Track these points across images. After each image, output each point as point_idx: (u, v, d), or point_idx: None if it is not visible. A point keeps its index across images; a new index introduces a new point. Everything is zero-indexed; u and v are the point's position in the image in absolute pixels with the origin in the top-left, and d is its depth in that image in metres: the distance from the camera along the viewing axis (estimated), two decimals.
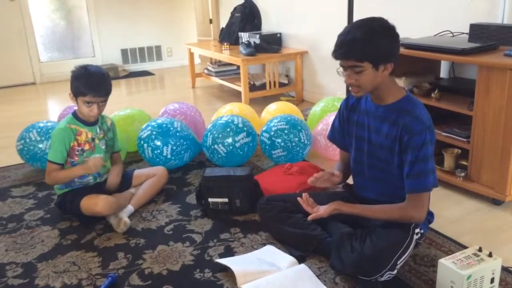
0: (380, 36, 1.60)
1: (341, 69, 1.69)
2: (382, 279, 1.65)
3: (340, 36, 1.65)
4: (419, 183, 1.65)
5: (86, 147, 2.25)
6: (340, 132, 1.98)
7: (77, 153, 2.23)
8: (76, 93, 2.17)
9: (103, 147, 2.30)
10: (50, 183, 2.28)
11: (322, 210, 1.80)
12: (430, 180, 1.65)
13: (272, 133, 2.77)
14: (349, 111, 1.91)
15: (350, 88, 1.75)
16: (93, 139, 2.26)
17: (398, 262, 1.67)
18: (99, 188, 2.30)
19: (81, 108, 2.20)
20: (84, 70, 2.17)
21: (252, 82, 4.44)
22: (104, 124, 2.34)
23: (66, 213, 2.31)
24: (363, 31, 1.59)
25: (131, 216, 2.26)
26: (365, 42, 1.58)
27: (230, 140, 2.72)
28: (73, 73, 2.19)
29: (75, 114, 2.27)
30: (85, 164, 2.21)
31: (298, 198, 1.86)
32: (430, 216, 1.85)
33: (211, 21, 6.16)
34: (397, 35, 1.65)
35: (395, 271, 1.67)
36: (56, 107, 4.61)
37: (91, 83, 2.14)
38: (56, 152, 2.20)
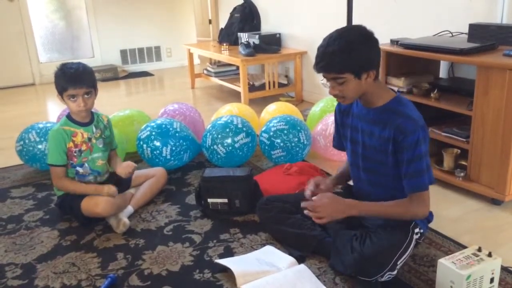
0: (358, 46, 1.60)
1: (324, 80, 1.70)
2: (383, 279, 1.65)
3: (319, 48, 1.66)
4: (416, 182, 1.66)
5: (83, 147, 2.24)
6: (339, 137, 1.99)
7: (75, 154, 2.23)
8: (60, 91, 2.16)
9: (101, 145, 2.29)
10: (59, 188, 2.28)
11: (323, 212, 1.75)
12: (425, 179, 1.66)
13: (271, 133, 2.77)
14: (342, 115, 1.92)
15: (337, 99, 1.75)
16: (89, 139, 2.26)
17: (398, 262, 1.67)
18: None
19: (69, 106, 2.20)
20: (62, 67, 2.17)
21: (251, 83, 4.44)
22: (100, 123, 2.33)
23: (66, 214, 2.31)
24: (341, 43, 1.59)
25: (130, 217, 2.26)
26: (344, 55, 1.59)
27: (229, 140, 2.72)
28: (54, 74, 2.18)
29: (69, 116, 2.26)
30: (100, 188, 2.20)
31: (306, 212, 1.78)
32: (429, 215, 1.85)
33: (210, 22, 6.15)
34: (375, 42, 1.65)
35: (395, 271, 1.67)
36: (56, 108, 4.60)
37: (69, 75, 2.13)
38: (53, 155, 2.20)
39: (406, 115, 1.66)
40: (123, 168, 2.26)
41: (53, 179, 2.25)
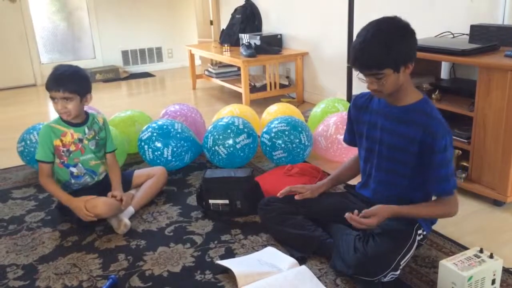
0: (397, 41, 1.57)
1: (361, 75, 1.67)
2: (385, 279, 1.65)
3: (355, 45, 1.61)
4: (444, 186, 1.67)
5: (73, 148, 2.22)
6: (351, 132, 1.98)
7: (62, 153, 2.22)
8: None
9: (93, 147, 2.28)
10: (42, 185, 2.29)
11: (374, 220, 1.68)
12: (452, 183, 1.67)
13: (272, 134, 2.77)
14: (358, 111, 1.89)
15: (373, 94, 1.73)
16: (80, 140, 2.23)
17: (402, 262, 1.67)
18: (98, 187, 2.30)
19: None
20: (54, 67, 2.16)
21: (252, 84, 4.44)
22: (95, 124, 2.30)
23: (66, 215, 2.31)
24: (379, 40, 1.55)
25: (131, 218, 2.26)
26: (383, 51, 1.55)
27: (230, 141, 2.72)
28: None
29: None
30: (74, 202, 2.16)
31: (346, 215, 1.70)
32: None
33: (211, 23, 6.16)
34: (413, 33, 1.62)
35: (398, 271, 1.67)
36: None
37: (53, 76, 2.12)
38: (40, 150, 2.21)
39: (436, 118, 1.65)
40: (125, 197, 2.23)
41: (39, 176, 2.26)
